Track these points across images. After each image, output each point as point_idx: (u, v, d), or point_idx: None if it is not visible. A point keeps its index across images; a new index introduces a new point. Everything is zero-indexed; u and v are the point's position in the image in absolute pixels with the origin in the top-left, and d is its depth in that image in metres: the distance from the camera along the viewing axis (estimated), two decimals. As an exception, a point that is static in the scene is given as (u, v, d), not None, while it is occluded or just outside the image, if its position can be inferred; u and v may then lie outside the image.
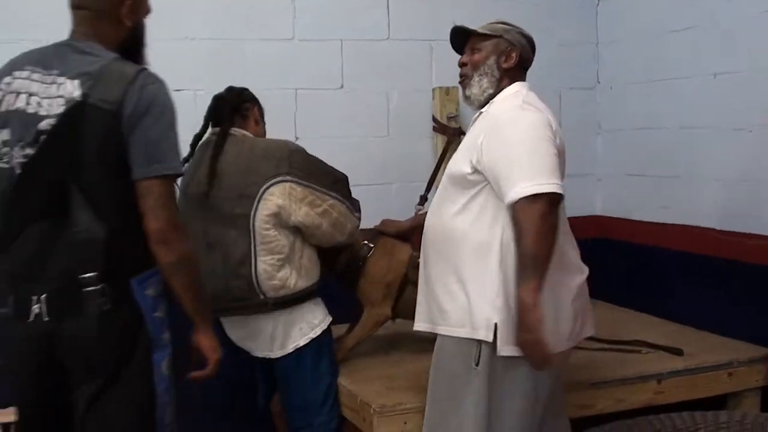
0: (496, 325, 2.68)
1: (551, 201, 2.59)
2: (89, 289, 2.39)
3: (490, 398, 2.73)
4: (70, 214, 2.38)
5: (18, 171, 2.40)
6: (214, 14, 4.13)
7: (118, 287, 2.42)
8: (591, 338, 3.69)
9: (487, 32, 3.00)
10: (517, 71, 2.96)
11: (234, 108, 3.40)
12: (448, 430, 2.82)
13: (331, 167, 3.40)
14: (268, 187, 3.17)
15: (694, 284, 4.11)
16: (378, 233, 3.64)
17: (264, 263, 3.18)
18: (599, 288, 4.66)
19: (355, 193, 4.02)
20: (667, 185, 4.27)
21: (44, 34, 3.65)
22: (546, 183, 2.58)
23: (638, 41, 4.45)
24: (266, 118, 3.88)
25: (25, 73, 2.46)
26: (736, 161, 3.84)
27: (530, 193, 2.56)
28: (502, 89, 2.91)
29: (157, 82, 2.45)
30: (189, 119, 3.53)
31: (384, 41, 4.37)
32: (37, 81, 2.43)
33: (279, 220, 3.18)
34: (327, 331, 3.37)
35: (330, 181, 3.31)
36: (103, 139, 2.36)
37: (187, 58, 4.08)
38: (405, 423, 3.05)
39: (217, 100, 3.46)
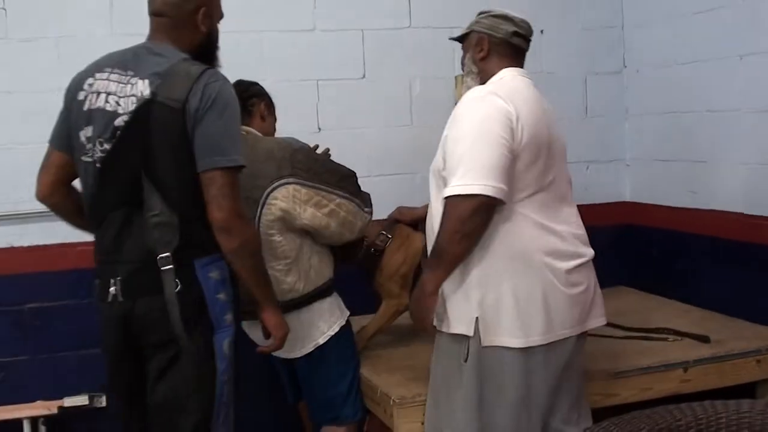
0: (477, 319, 2.70)
1: (480, 203, 2.57)
2: (165, 268, 2.55)
3: (481, 391, 2.74)
4: (145, 202, 2.55)
5: (98, 165, 2.60)
6: (232, 6, 4.06)
7: (186, 270, 2.57)
8: (617, 326, 3.72)
9: (463, 32, 3.01)
10: (499, 58, 2.90)
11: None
12: (441, 422, 2.85)
13: (337, 164, 3.35)
14: (271, 191, 3.11)
15: (723, 270, 4.04)
16: (394, 222, 3.63)
17: (271, 269, 3.05)
18: (629, 275, 4.68)
19: (379, 183, 4.04)
20: (694, 170, 4.21)
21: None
22: (474, 184, 2.56)
23: (664, 23, 4.37)
24: (288, 110, 3.88)
25: (105, 75, 2.64)
26: (762, 144, 3.76)
27: (455, 193, 2.58)
28: (491, 78, 2.87)
29: (220, 80, 2.60)
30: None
31: (405, 29, 4.34)
32: (114, 81, 2.61)
33: (284, 224, 3.14)
34: (346, 326, 3.36)
35: (336, 178, 3.24)
36: (169, 134, 2.53)
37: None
38: (424, 414, 3.01)
39: None
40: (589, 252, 2.88)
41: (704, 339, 3.53)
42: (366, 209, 3.34)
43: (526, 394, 2.73)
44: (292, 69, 4.19)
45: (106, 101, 2.59)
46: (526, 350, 2.70)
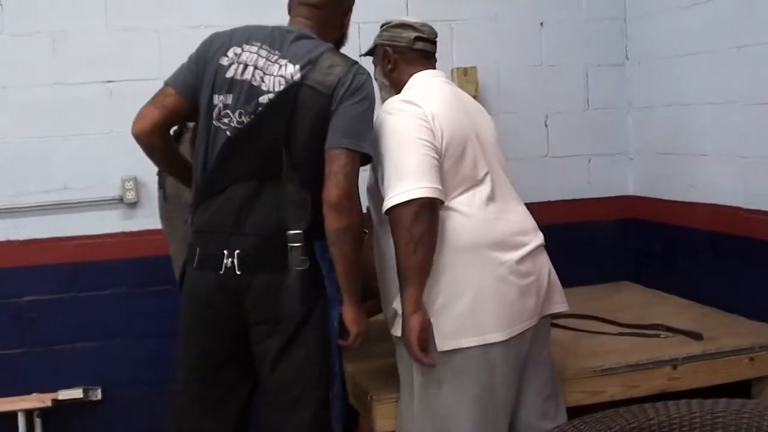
0: (429, 322, 2.66)
1: (418, 207, 2.55)
2: (294, 245, 2.64)
3: (440, 391, 2.71)
4: (282, 177, 2.63)
5: (229, 134, 2.67)
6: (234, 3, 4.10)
7: (310, 248, 2.68)
8: (611, 322, 3.69)
9: (369, 48, 3.06)
10: (406, 65, 2.92)
11: None
12: (404, 421, 2.85)
13: None
14: None
15: (723, 265, 3.98)
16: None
17: None
18: (633, 270, 4.63)
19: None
20: (694, 163, 4.14)
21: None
22: (406, 191, 2.56)
23: (665, 15, 4.30)
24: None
25: (254, 48, 2.72)
26: (760, 137, 3.69)
27: (392, 204, 2.58)
28: (403, 87, 2.89)
29: (366, 74, 2.71)
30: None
31: (403, 23, 4.30)
32: (263, 57, 2.70)
33: None
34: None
35: None
36: (314, 116, 2.63)
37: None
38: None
39: None
40: (538, 239, 2.84)
41: (697, 336, 3.48)
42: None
43: (487, 390, 2.70)
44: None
45: (253, 75, 2.67)
46: (484, 347, 2.67)
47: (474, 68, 4.21)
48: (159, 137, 2.80)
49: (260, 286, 2.64)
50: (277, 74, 2.66)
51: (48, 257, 3.94)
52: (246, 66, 2.68)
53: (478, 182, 2.74)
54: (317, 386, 2.71)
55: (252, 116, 2.65)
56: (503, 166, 2.91)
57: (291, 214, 2.64)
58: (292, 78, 2.64)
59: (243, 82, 2.67)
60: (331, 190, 2.58)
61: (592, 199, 4.66)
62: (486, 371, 2.68)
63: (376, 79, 2.97)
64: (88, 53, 3.92)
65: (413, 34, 2.91)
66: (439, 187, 2.60)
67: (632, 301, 4.22)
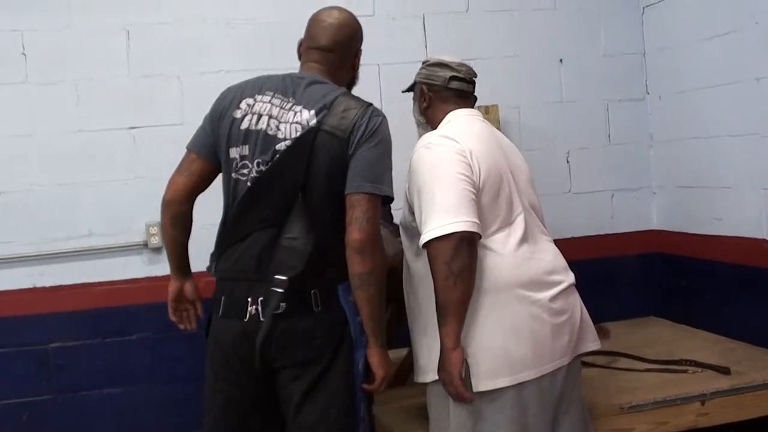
0: (466, 362, 2.63)
1: (457, 241, 2.54)
2: (312, 291, 2.65)
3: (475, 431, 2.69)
4: (288, 223, 2.66)
5: (249, 184, 2.70)
6: (248, 46, 4.15)
7: (326, 292, 2.67)
8: (638, 359, 3.65)
9: (409, 86, 3.10)
10: (442, 104, 2.94)
11: None
12: None
13: None
14: None
15: (751, 298, 3.95)
16: None
17: None
18: (660, 304, 4.60)
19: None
20: (718, 196, 4.13)
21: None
22: (446, 224, 2.55)
23: (683, 48, 4.31)
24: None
25: (267, 98, 2.77)
26: (782, 168, 3.69)
27: (431, 237, 2.56)
28: (439, 124, 2.91)
29: (381, 116, 2.77)
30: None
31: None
32: (277, 106, 2.74)
33: None
34: None
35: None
36: (331, 160, 2.66)
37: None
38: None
39: None
40: (569, 278, 2.83)
41: (725, 370, 3.45)
42: (398, 238, 3.29)
43: (520, 430, 2.68)
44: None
45: (268, 125, 2.70)
46: (517, 386, 2.66)
47: (495, 106, 4.23)
48: (189, 205, 2.87)
49: (284, 331, 2.65)
50: (293, 121, 2.69)
51: (74, 304, 3.96)
52: (260, 116, 2.72)
53: (512, 221, 2.74)
54: (342, 430, 2.70)
55: (270, 164, 2.67)
56: (536, 206, 2.91)
57: (295, 262, 2.65)
58: (308, 123, 2.67)
59: (258, 131, 2.70)
60: (355, 235, 2.60)
61: (616, 234, 4.64)
62: (519, 410, 2.67)
63: (414, 116, 3.04)
64: (111, 100, 3.97)
65: (449, 74, 2.93)
66: (478, 221, 2.59)
67: (659, 336, 4.19)
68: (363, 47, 4.23)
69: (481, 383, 2.64)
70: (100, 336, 3.99)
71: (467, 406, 2.65)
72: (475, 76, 3.01)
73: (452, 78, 2.93)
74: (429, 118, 2.96)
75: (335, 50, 2.90)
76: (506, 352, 2.64)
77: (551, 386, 2.72)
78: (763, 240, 3.82)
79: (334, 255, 2.64)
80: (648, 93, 4.65)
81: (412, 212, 2.74)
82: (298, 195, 2.64)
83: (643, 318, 4.59)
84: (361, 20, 4.20)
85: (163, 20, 4.05)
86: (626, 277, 4.64)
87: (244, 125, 2.73)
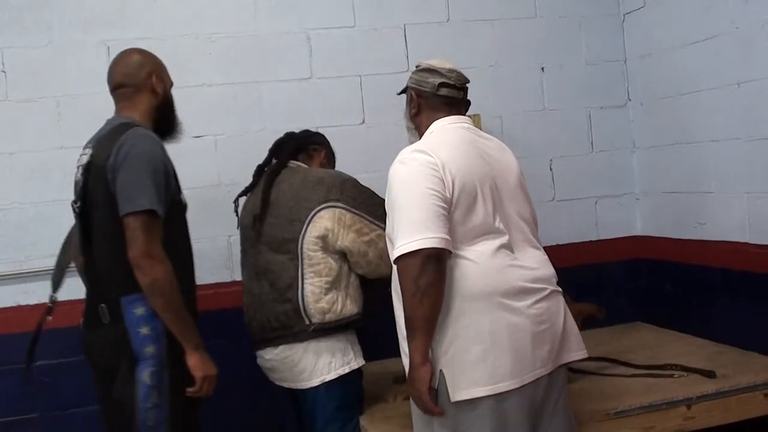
0: (441, 372, 2.63)
1: (424, 257, 2.54)
2: (101, 306, 2.93)
3: None
4: (92, 247, 2.97)
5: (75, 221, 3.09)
6: (229, 58, 4.16)
7: (113, 305, 2.91)
8: (624, 364, 3.65)
9: (401, 90, 3.08)
10: (430, 111, 2.91)
11: (298, 145, 3.52)
12: None
13: (382, 198, 3.26)
14: (318, 211, 3.24)
15: (735, 302, 3.96)
16: None
17: (312, 285, 3.22)
18: (645, 310, 4.61)
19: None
20: (700, 201, 4.14)
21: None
22: (413, 240, 2.56)
23: (665, 55, 4.33)
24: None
25: (84, 150, 3.07)
26: (765, 172, 3.69)
27: (399, 254, 2.59)
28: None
29: (136, 138, 2.91)
30: (210, 163, 3.60)
31: (403, 73, 4.30)
32: (82, 155, 3.05)
33: (326, 243, 3.22)
34: (356, 372, 3.34)
35: (381, 212, 3.18)
36: (103, 189, 2.89)
37: (204, 105, 4.14)
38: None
39: (286, 135, 3.59)
40: (552, 286, 2.81)
41: (710, 374, 3.45)
42: None
43: None
44: (290, 117, 4.20)
45: (77, 172, 3.05)
46: (497, 396, 2.64)
47: (478, 116, 4.23)
48: None
49: (89, 341, 3.05)
50: (79, 164, 3.03)
51: (58, 321, 3.90)
52: (78, 168, 3.05)
53: (492, 231, 2.72)
54: None
55: (76, 204, 3.03)
56: (524, 214, 2.87)
57: (97, 278, 2.99)
58: (84, 161, 3.00)
59: (77, 182, 3.04)
60: (129, 253, 2.82)
61: (600, 240, 4.66)
62: (499, 421, 2.65)
63: (405, 121, 3.03)
64: (92, 117, 3.90)
65: (438, 80, 2.89)
66: (447, 237, 2.58)
67: (644, 341, 4.19)
68: (344, 59, 4.29)
69: (458, 393, 2.63)
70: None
71: (450, 417, 2.65)
72: (467, 82, 2.97)
73: (441, 84, 2.89)
74: (417, 124, 2.95)
75: (125, 83, 3.11)
76: (485, 361, 2.63)
77: (532, 396, 2.70)
78: (747, 244, 3.82)
79: (117, 272, 2.87)
80: (630, 100, 4.68)
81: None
82: (91, 222, 2.95)
83: (629, 324, 4.60)
84: (341, 32, 4.27)
85: (143, 35, 4.02)
86: (611, 283, 4.65)
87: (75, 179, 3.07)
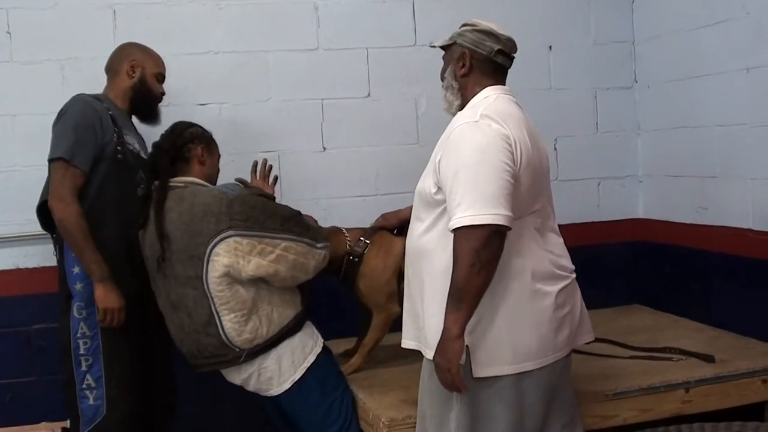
0: (467, 347, 2.60)
1: (491, 232, 2.48)
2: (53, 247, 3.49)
3: (475, 418, 2.68)
4: None
5: None
6: (237, 27, 4.13)
7: (59, 246, 3.39)
8: (623, 346, 3.66)
9: (445, 42, 2.90)
10: (481, 75, 2.80)
11: (172, 157, 3.32)
12: None
13: (278, 206, 3.28)
14: (213, 247, 3.09)
15: (735, 287, 3.96)
16: (377, 229, 3.58)
17: (229, 321, 3.13)
18: (644, 293, 4.61)
19: (386, 201, 4.03)
20: (703, 185, 4.13)
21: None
22: (483, 214, 2.48)
23: (673, 38, 4.31)
24: (293, 130, 3.93)
25: None
26: (769, 159, 3.69)
27: (464, 224, 2.49)
28: (473, 96, 2.78)
29: (70, 101, 3.40)
30: (215, 131, 3.56)
31: (410, 47, 4.31)
32: None
33: (231, 278, 3.11)
34: (322, 353, 3.32)
35: (278, 222, 3.17)
36: None
37: (210, 72, 4.11)
38: (414, 438, 2.98)
39: (155, 148, 3.37)
40: (573, 273, 2.82)
41: (709, 359, 3.46)
42: (319, 245, 3.26)
43: (518, 418, 2.68)
44: (296, 89, 4.20)
45: None
46: (519, 375, 2.65)
47: (483, 93, 4.20)
48: None
49: None
50: None
51: (57, 285, 3.92)
52: None
53: (531, 213, 2.70)
54: (63, 355, 3.37)
55: None
56: (550, 198, 2.88)
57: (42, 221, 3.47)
58: None
59: None
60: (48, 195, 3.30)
61: (601, 222, 4.65)
62: (517, 399, 2.67)
63: (443, 77, 2.88)
64: (97, 80, 3.91)
65: (497, 46, 2.79)
66: (513, 216, 2.52)
67: (643, 324, 4.20)
68: (351, 31, 4.26)
69: (481, 369, 2.63)
70: (83, 318, 3.96)
71: (470, 393, 2.64)
72: (516, 52, 2.88)
73: (499, 51, 2.79)
74: (463, 85, 2.81)
75: (108, 68, 3.60)
76: (510, 341, 2.63)
77: (550, 377, 2.72)
78: (749, 230, 3.83)
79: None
80: (636, 81, 4.66)
81: (438, 186, 2.66)
82: None
83: (628, 306, 4.61)
84: (349, 3, 4.23)
85: (152, 0, 4.02)
86: (611, 265, 4.65)
87: None
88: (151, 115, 3.62)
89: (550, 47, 4.53)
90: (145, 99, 3.56)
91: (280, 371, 3.23)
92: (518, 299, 2.64)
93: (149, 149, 3.44)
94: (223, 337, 3.14)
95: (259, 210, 3.16)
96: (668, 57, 4.37)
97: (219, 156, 3.51)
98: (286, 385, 3.24)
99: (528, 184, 2.64)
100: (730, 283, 4.00)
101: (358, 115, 4.29)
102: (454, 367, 2.53)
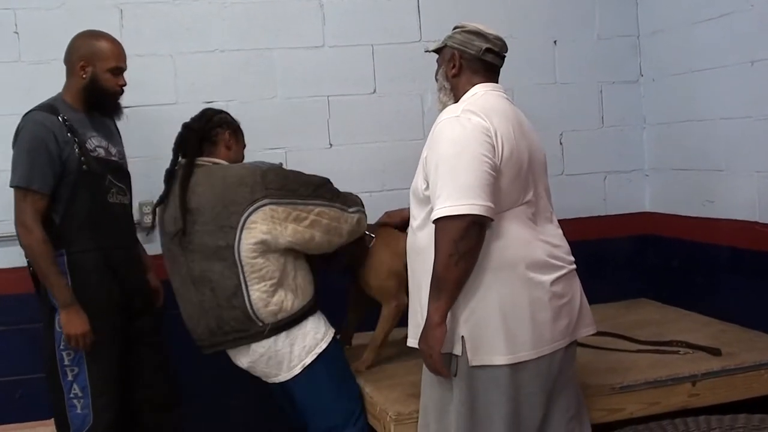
0: (463, 338, 2.66)
1: (469, 223, 2.55)
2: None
3: (473, 408, 2.71)
4: None
5: None
6: (243, 25, 4.15)
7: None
8: (630, 339, 3.67)
9: (438, 46, 3.00)
10: (471, 74, 2.88)
11: (200, 137, 3.39)
12: None
13: (308, 175, 3.36)
14: (248, 215, 3.16)
15: (742, 281, 3.97)
16: (380, 226, 3.64)
17: (257, 291, 3.17)
18: (651, 287, 4.62)
19: (392, 197, 4.03)
20: (710, 179, 4.14)
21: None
22: (460, 204, 2.55)
23: (678, 31, 4.31)
24: (299, 127, 3.94)
25: None
26: (775, 151, 3.69)
27: (443, 215, 2.57)
28: (464, 95, 2.85)
29: (23, 122, 3.36)
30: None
31: (415, 43, 4.32)
32: None
33: (267, 246, 3.17)
34: (333, 343, 3.35)
35: (310, 189, 3.27)
36: None
37: (217, 70, 4.13)
38: (418, 433, 3.00)
39: (184, 128, 3.45)
40: (571, 263, 2.86)
41: (716, 352, 3.46)
42: (351, 210, 3.36)
43: (516, 409, 2.71)
44: (302, 86, 4.22)
45: None
46: (515, 366, 2.68)
47: (491, 87, 4.21)
48: None
49: None
50: None
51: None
52: None
53: (524, 203, 2.74)
54: (47, 367, 3.38)
55: None
56: (547, 190, 2.92)
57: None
58: None
59: None
60: None
61: (608, 216, 4.66)
62: (514, 389, 2.70)
63: (437, 79, 2.98)
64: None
65: (485, 45, 2.87)
66: (492, 206, 2.59)
67: (650, 317, 4.21)
68: (357, 28, 4.27)
69: (477, 359, 2.67)
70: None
71: (467, 382, 2.69)
72: (507, 51, 2.96)
73: (487, 50, 2.87)
74: (454, 85, 2.90)
75: (65, 64, 3.49)
76: (506, 330, 2.66)
77: (548, 368, 2.74)
78: (755, 223, 3.83)
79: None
80: (642, 75, 4.66)
81: (426, 182, 2.72)
82: None
83: (635, 300, 4.62)
84: (354, 1, 4.23)
85: (156, -1, 4.05)
86: (618, 259, 4.66)
87: None
88: (110, 111, 3.55)
89: (555, 42, 4.54)
90: (99, 97, 3.46)
91: (291, 356, 3.26)
92: (512, 289, 2.68)
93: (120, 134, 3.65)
94: (249, 308, 3.18)
95: (292, 179, 3.27)
96: (673, 50, 4.38)
97: (245, 145, 3.56)
98: (297, 370, 3.27)
99: (512, 175, 2.69)
100: (736, 276, 4.00)
101: (364, 112, 4.31)
102: (435, 353, 2.63)
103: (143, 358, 3.51)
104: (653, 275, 4.66)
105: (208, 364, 3.48)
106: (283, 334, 3.23)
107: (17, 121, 3.84)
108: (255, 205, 3.16)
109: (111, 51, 3.46)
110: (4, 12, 3.91)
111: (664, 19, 4.43)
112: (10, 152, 3.84)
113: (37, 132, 3.28)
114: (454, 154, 2.62)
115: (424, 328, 2.66)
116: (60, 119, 3.32)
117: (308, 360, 3.26)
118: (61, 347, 3.31)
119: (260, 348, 3.25)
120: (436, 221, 2.60)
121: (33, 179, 3.24)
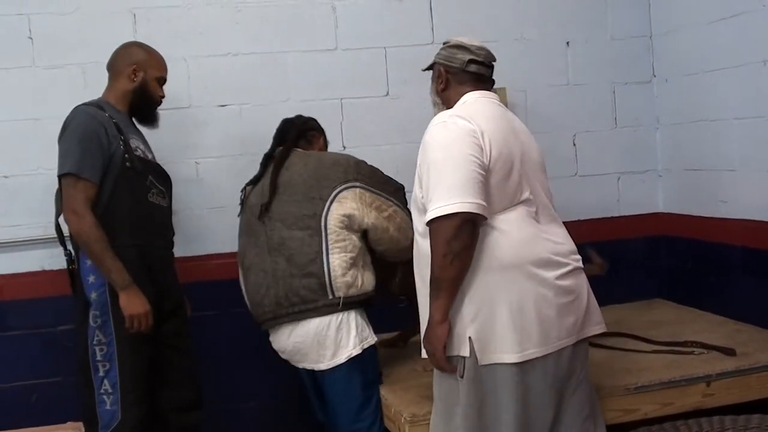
0: (470, 338, 2.69)
1: (461, 221, 2.59)
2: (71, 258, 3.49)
3: (481, 407, 2.73)
4: None
5: None
6: (256, 29, 4.17)
7: (77, 256, 3.41)
8: (645, 340, 3.67)
9: (429, 65, 3.10)
10: (458, 86, 2.96)
11: (299, 132, 3.57)
12: None
13: (390, 177, 3.53)
14: (340, 191, 3.30)
15: (755, 280, 3.96)
16: None
17: (338, 258, 3.26)
18: (666, 287, 4.61)
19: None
20: (723, 179, 4.13)
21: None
22: (451, 204, 2.59)
23: (690, 31, 4.31)
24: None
25: None
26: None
27: (435, 216, 2.61)
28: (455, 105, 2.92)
29: (73, 113, 3.39)
30: (235, 132, 3.61)
31: (428, 45, 4.32)
32: None
33: (351, 222, 3.29)
34: (374, 346, 3.39)
35: (391, 189, 3.45)
36: None
37: (230, 74, 4.16)
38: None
39: (285, 122, 3.62)
40: (577, 261, 2.87)
41: (730, 352, 3.46)
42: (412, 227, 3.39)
43: (525, 408, 2.72)
44: (315, 89, 4.24)
45: None
46: (523, 364, 2.69)
47: (503, 89, 4.22)
48: None
49: None
50: None
51: (82, 287, 3.98)
52: None
53: (521, 202, 2.77)
54: (80, 348, 3.37)
55: None
56: (546, 190, 2.94)
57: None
58: None
59: None
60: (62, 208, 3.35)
61: (622, 217, 4.66)
62: (523, 389, 2.71)
63: (431, 96, 3.07)
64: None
65: (467, 57, 2.94)
66: (484, 203, 2.63)
67: (665, 318, 4.20)
68: (369, 30, 4.29)
69: (486, 358, 2.69)
70: (108, 318, 4.00)
71: (476, 382, 2.70)
72: (494, 60, 3.02)
73: (470, 61, 2.94)
74: (445, 99, 2.99)
75: (108, 68, 3.57)
76: (513, 328, 2.68)
77: (556, 366, 2.75)
78: (769, 222, 3.82)
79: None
80: (655, 76, 4.66)
81: (422, 188, 2.77)
82: None
83: (649, 300, 4.62)
84: (367, 3, 4.25)
85: (170, 3, 4.07)
86: (632, 259, 4.66)
87: None
88: (149, 119, 3.63)
89: (568, 43, 4.54)
90: (145, 103, 3.56)
91: (339, 345, 3.29)
92: (518, 286, 2.71)
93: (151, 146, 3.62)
94: (326, 275, 3.26)
95: (379, 175, 3.50)
96: (686, 51, 4.37)
97: None
98: (342, 359, 3.29)
99: (504, 173, 2.73)
100: (751, 276, 3.99)
101: (378, 114, 4.34)
102: (438, 351, 2.69)
103: (171, 361, 3.54)
104: (667, 276, 4.65)
105: (219, 369, 3.50)
106: (345, 315, 3.29)
107: (32, 125, 3.92)
108: (347, 185, 3.34)
109: (161, 62, 3.60)
110: (18, 17, 3.94)
111: (677, 20, 4.42)
112: (27, 156, 3.91)
113: (89, 123, 3.33)
114: (442, 158, 2.68)
115: (426, 327, 2.72)
116: (108, 116, 3.40)
117: (355, 352, 3.29)
118: (94, 342, 3.33)
119: (317, 325, 3.28)
120: (429, 223, 2.65)
121: (84, 167, 3.28)
